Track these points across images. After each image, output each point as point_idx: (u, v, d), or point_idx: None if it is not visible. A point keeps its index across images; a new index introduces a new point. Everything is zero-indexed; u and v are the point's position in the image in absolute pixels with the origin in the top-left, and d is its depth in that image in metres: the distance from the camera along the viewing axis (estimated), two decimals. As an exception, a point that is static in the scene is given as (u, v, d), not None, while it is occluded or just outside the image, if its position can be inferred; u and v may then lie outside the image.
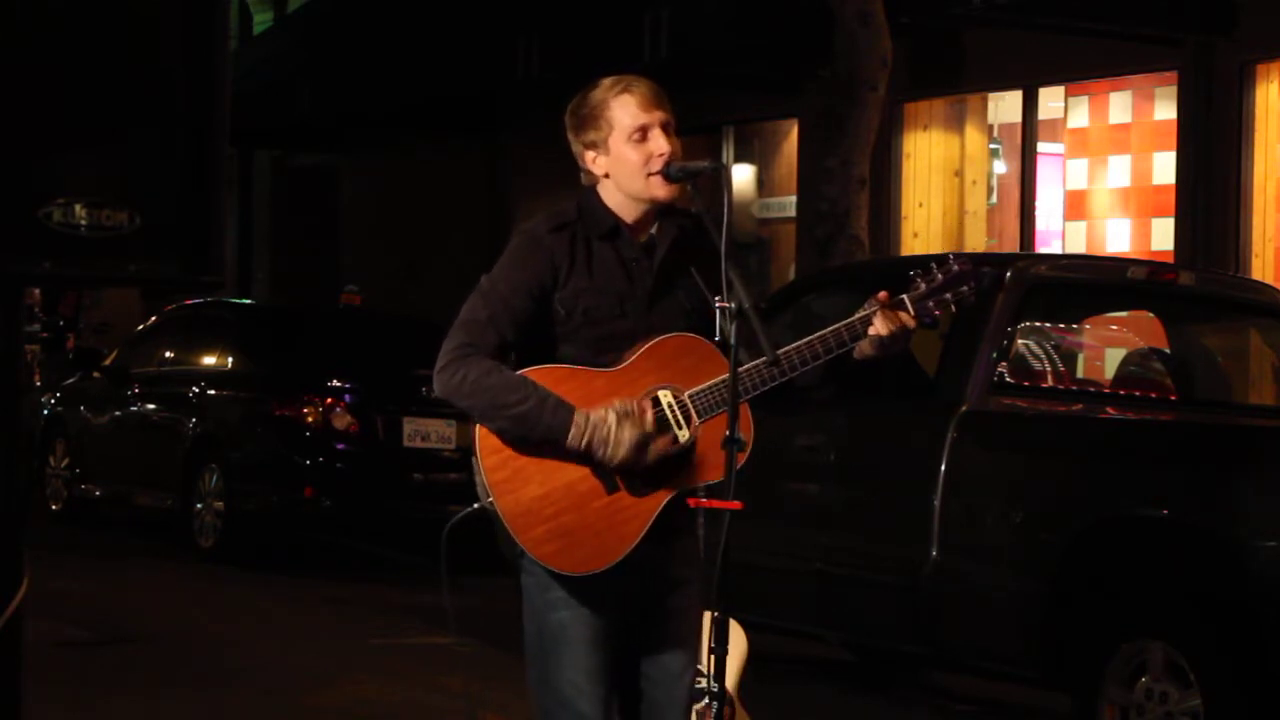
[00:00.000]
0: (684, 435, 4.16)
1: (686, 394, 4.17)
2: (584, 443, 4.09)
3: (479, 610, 9.16)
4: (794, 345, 4.22)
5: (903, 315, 4.24)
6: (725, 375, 4.13)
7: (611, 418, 4.08)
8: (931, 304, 4.30)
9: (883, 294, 4.25)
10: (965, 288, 4.32)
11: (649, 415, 4.12)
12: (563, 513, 4.15)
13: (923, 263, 4.37)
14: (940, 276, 4.31)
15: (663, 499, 4.17)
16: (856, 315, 4.25)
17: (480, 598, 9.01)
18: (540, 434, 4.11)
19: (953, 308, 4.34)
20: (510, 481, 4.15)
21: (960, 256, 4.39)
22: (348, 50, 21.50)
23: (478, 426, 4.17)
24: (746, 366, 4.15)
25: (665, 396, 4.16)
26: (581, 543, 4.15)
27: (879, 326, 4.22)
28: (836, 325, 4.25)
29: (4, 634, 3.49)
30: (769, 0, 15.75)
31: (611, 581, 4.18)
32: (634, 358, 4.19)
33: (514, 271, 4.22)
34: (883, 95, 13.22)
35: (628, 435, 4.08)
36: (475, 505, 4.21)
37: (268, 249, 26.15)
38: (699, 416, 4.17)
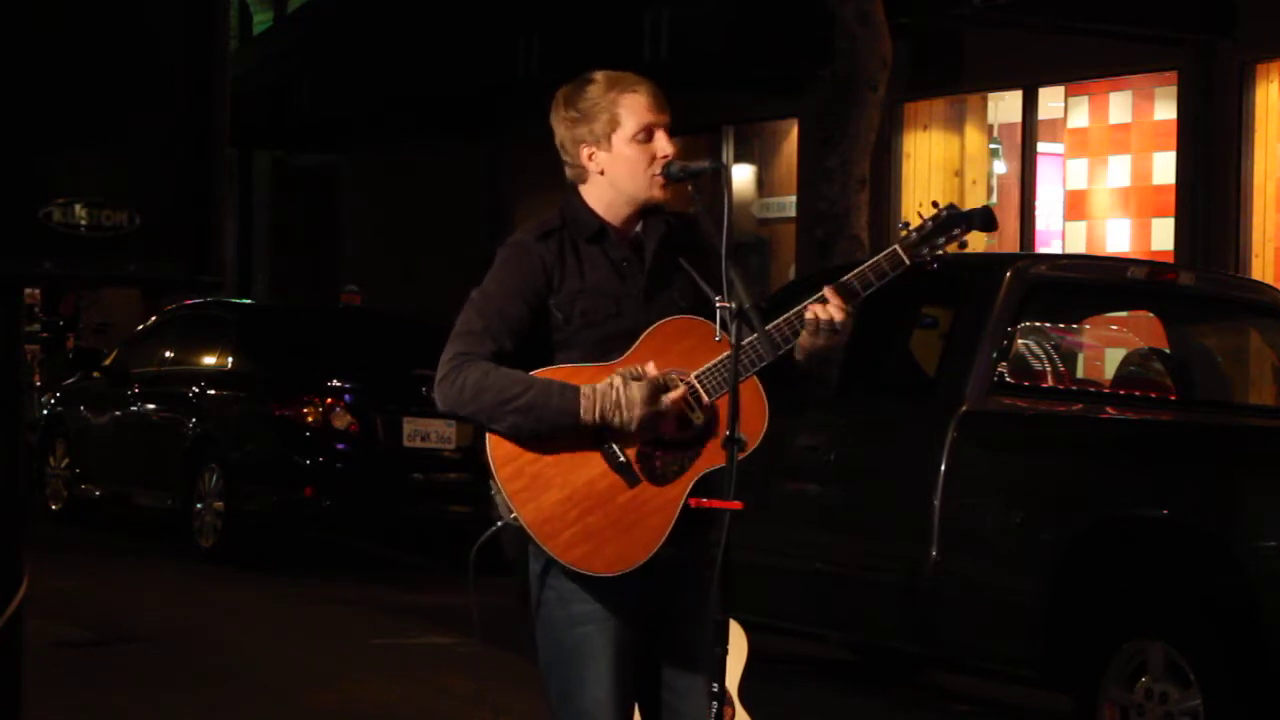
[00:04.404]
0: (698, 417, 4.12)
1: (693, 375, 4.14)
2: (597, 414, 4.04)
3: (479, 609, 9.15)
4: (779, 320, 4.18)
5: (830, 307, 4.17)
6: (729, 352, 4.07)
7: (617, 380, 4.04)
8: (926, 251, 4.25)
9: (827, 289, 4.20)
10: (958, 230, 4.26)
11: (652, 368, 4.07)
12: (587, 513, 4.09)
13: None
14: (930, 224, 4.26)
15: (686, 485, 4.11)
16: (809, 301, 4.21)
17: (479, 596, 9.01)
18: (551, 419, 4.06)
19: (947, 256, 4.25)
20: (529, 489, 4.09)
21: (951, 204, 4.31)
22: (348, 50, 21.49)
23: (488, 440, 4.12)
24: (743, 343, 4.10)
25: (672, 381, 4.13)
26: (610, 540, 4.08)
27: (816, 312, 4.18)
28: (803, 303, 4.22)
29: (4, 634, 3.49)
30: (769, 0, 15.75)
31: (638, 587, 4.13)
32: (635, 347, 4.15)
33: (507, 280, 4.19)
34: (883, 95, 13.22)
35: (637, 392, 4.03)
36: (499, 523, 4.14)
37: (268, 249, 26.14)
38: (708, 396, 4.13)
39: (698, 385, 4.13)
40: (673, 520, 4.10)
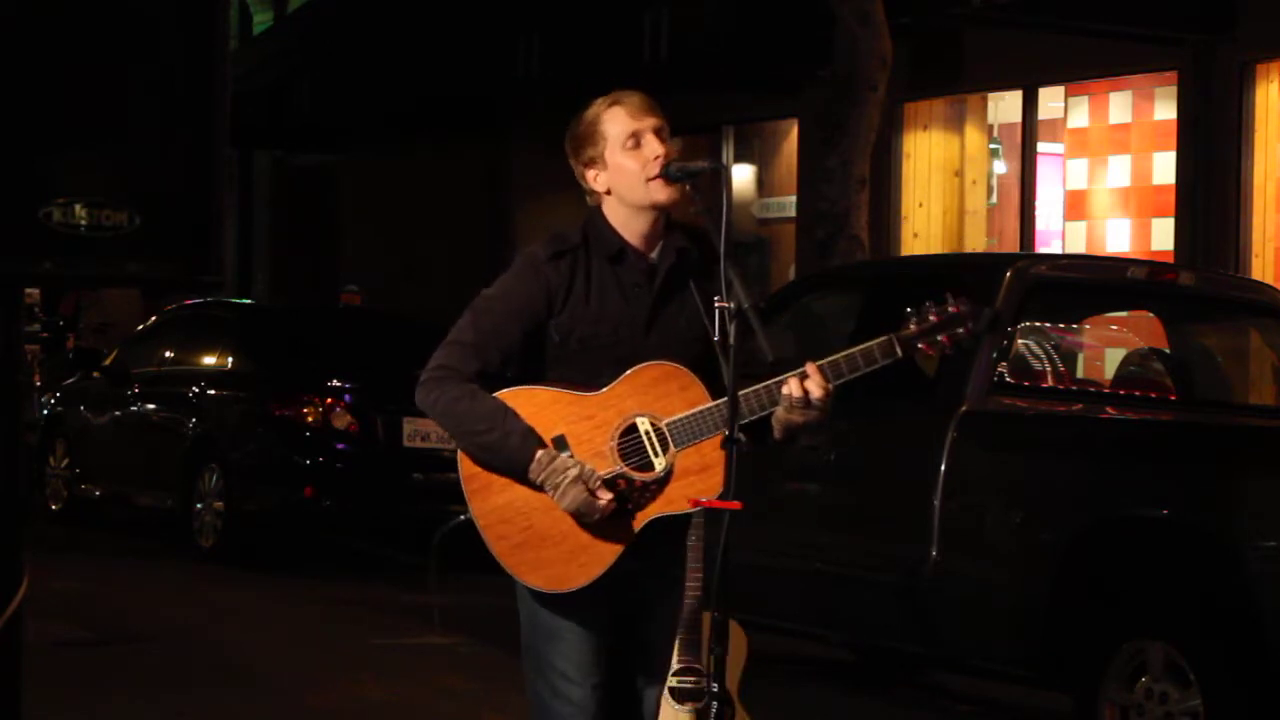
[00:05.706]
0: (660, 464, 4.15)
1: (664, 422, 4.16)
2: (540, 477, 4.12)
3: (479, 609, 9.16)
4: (756, 388, 4.16)
5: (809, 383, 4.14)
6: (704, 406, 4.13)
7: (572, 473, 4.10)
8: (922, 345, 4.25)
9: (809, 365, 4.17)
10: (961, 329, 4.26)
11: (605, 499, 4.10)
12: (535, 520, 4.17)
13: (920, 297, 4.30)
14: (933, 317, 4.25)
15: (639, 524, 4.18)
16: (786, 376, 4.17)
17: (479, 596, 9.02)
18: (502, 465, 4.17)
19: (947, 351, 4.27)
20: (485, 489, 4.20)
21: (961, 298, 4.29)
22: (348, 50, 21.50)
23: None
24: (712, 405, 4.13)
25: (643, 424, 4.16)
26: (553, 562, 4.17)
27: (792, 388, 4.14)
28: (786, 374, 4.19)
29: (4, 634, 3.49)
30: (769, 0, 15.75)
31: (598, 594, 4.20)
32: (614, 383, 4.19)
33: (509, 299, 4.25)
34: (883, 95, 13.22)
35: (571, 496, 4.09)
36: (462, 517, 4.25)
37: (268, 249, 26.13)
38: (675, 445, 4.16)
39: (667, 432, 4.16)
40: (620, 552, 4.16)
